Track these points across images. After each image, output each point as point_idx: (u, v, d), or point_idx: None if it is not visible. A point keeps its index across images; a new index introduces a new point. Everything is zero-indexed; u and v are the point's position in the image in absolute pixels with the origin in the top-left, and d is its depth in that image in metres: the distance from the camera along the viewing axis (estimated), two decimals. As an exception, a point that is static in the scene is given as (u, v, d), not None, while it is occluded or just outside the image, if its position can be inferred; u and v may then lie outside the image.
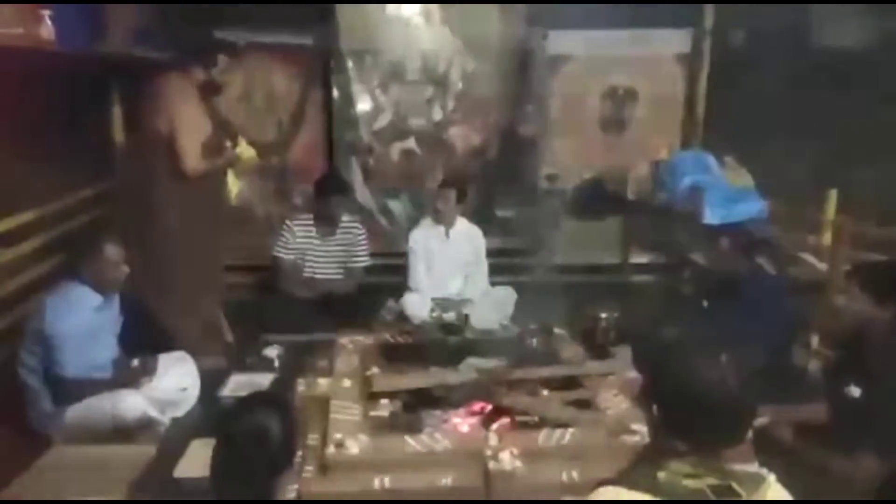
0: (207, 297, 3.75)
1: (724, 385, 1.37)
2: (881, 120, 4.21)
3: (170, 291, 3.50)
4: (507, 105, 5.17)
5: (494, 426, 2.62)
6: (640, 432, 2.44)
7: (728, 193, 4.14)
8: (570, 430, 2.54)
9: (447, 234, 4.11)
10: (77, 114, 3.76)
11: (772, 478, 1.37)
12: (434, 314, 3.87)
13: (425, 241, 4.12)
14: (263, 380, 3.12)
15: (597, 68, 5.15)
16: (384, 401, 2.83)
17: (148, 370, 2.92)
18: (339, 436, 2.48)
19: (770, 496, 1.35)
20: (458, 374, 2.97)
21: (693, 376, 1.39)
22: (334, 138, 5.08)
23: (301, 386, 3.00)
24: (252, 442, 1.50)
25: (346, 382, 2.94)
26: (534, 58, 5.10)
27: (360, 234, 4.21)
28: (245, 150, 3.84)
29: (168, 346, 3.13)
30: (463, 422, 2.67)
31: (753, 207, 4.06)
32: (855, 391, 2.37)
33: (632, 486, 1.34)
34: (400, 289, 4.11)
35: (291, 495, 2.24)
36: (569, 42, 5.11)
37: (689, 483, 1.31)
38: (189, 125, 3.46)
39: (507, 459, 2.38)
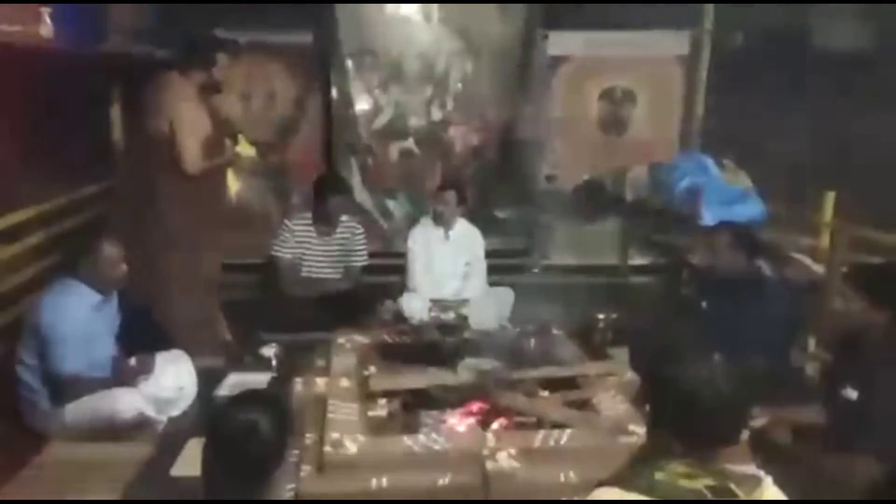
0: (205, 295, 3.74)
1: (718, 385, 1.37)
2: (880, 122, 4.22)
3: (168, 290, 3.49)
4: (506, 105, 5.17)
5: (492, 427, 2.61)
6: (638, 433, 2.43)
7: (726, 195, 4.13)
8: (568, 430, 2.53)
9: (447, 235, 4.11)
10: (77, 113, 3.75)
11: (768, 480, 1.37)
12: (432, 314, 3.87)
13: (424, 241, 4.12)
14: (261, 379, 3.12)
15: (596, 69, 5.16)
16: (382, 401, 2.83)
17: (145, 369, 2.91)
18: (336, 435, 2.47)
19: (766, 498, 1.35)
20: (456, 374, 2.97)
21: (688, 377, 1.39)
22: (333, 138, 5.09)
23: (299, 385, 3.00)
24: (241, 439, 1.48)
25: (344, 382, 2.93)
26: (533, 58, 5.11)
27: (358, 234, 4.20)
28: (245, 149, 3.83)
29: (165, 345, 3.12)
30: (461, 422, 2.67)
31: (753, 209, 4.06)
32: (852, 393, 2.38)
33: (629, 486, 1.34)
34: (398, 289, 4.11)
35: (289, 495, 2.23)
36: (568, 43, 5.12)
37: (686, 483, 1.32)
38: (189, 124, 3.45)
39: (505, 460, 2.38)
